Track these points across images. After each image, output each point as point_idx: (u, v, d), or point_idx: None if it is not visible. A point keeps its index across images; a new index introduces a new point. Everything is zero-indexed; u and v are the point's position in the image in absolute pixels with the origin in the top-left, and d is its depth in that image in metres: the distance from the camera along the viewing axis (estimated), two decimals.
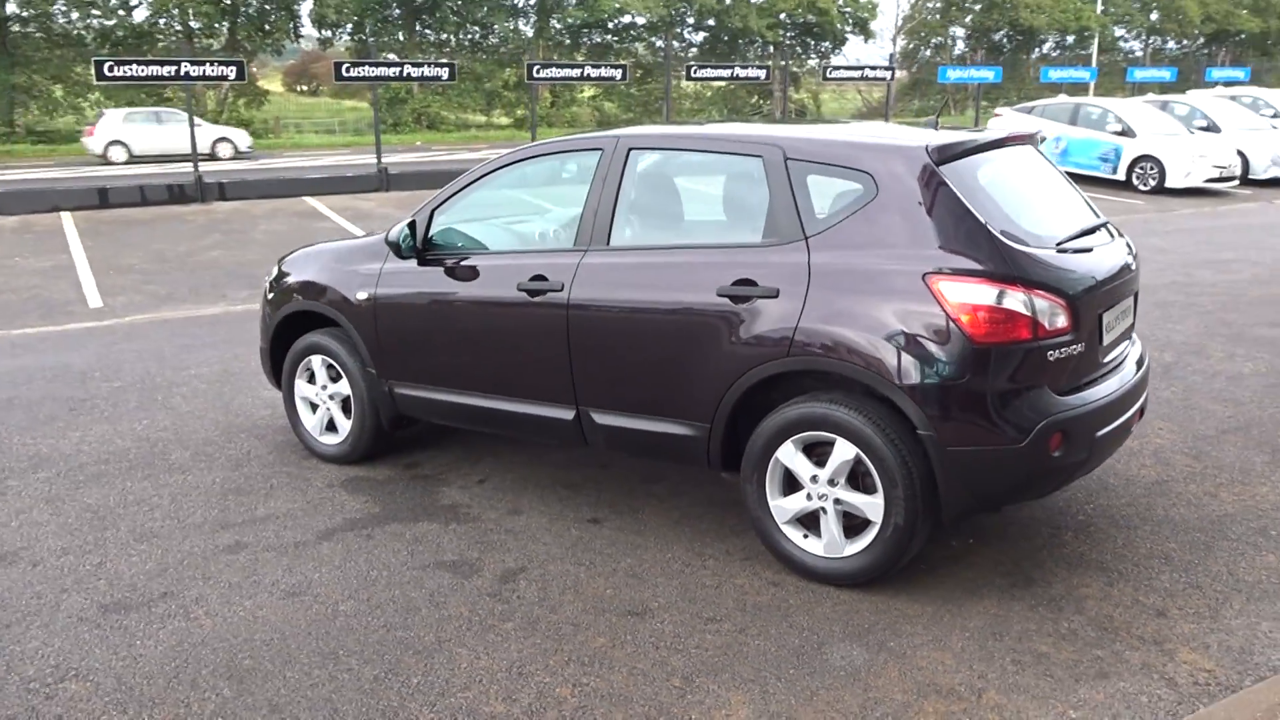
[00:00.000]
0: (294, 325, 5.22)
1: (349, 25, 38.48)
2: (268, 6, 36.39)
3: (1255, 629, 3.35)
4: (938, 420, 3.36)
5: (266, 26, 36.48)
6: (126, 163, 25.30)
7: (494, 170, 4.55)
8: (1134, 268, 3.97)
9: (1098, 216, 4.02)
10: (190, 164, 16.41)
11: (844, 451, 3.55)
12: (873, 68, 20.42)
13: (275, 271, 5.35)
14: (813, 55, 42.41)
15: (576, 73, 17.98)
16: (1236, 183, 17.20)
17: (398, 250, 4.52)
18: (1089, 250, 3.74)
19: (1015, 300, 3.32)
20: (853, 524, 3.66)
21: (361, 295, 4.79)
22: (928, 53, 47.54)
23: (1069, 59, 45.56)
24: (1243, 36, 49.94)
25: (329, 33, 39.21)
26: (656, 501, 4.54)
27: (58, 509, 4.57)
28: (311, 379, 5.18)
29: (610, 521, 4.34)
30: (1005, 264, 3.37)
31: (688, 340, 3.84)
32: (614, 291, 4.02)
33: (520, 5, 40.87)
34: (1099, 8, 46.67)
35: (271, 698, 3.09)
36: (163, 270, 10.71)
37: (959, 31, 47.37)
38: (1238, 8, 49.68)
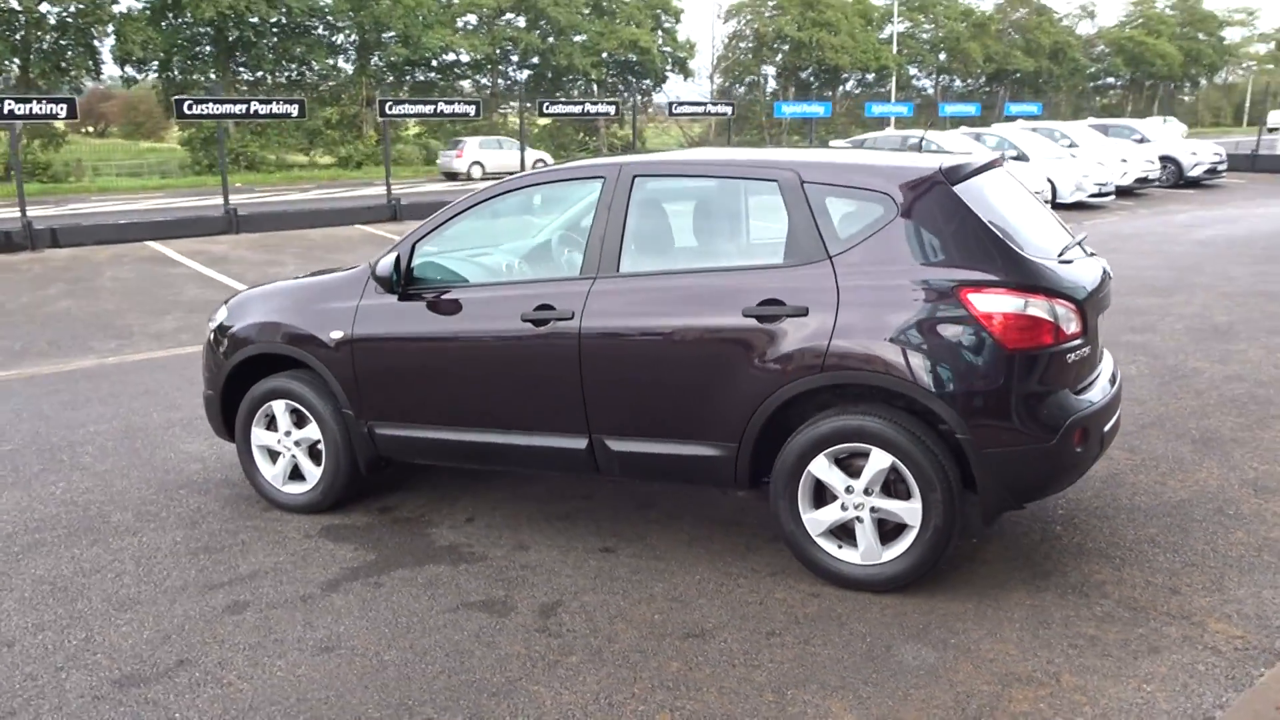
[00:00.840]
0: (247, 371, 4.94)
1: (155, 62, 36.49)
2: (64, 42, 34.04)
3: (1260, 597, 3.69)
4: (975, 424, 3.55)
5: (63, 64, 34.08)
6: None
7: (483, 201, 4.48)
8: (1111, 276, 4.32)
9: (1070, 231, 4.36)
10: (17, 209, 15.11)
11: (880, 461, 3.68)
12: (713, 103, 21.18)
13: (223, 314, 5.05)
14: (635, 92, 43.35)
15: (430, 109, 17.71)
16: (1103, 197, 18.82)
17: (390, 286, 4.37)
18: (1077, 261, 4.05)
19: (1039, 308, 3.57)
20: (883, 530, 3.80)
21: (335, 334, 4.59)
22: (742, 89, 49.53)
23: (870, 95, 48.50)
24: (1018, 75, 54.69)
25: (133, 70, 37.04)
26: (659, 527, 4.55)
27: (6, 583, 4.13)
28: (271, 426, 4.91)
29: (623, 549, 4.31)
30: (1026, 275, 3.61)
31: (713, 362, 3.90)
32: (630, 317, 4.03)
33: (339, 42, 39.95)
34: (895, 49, 50.09)
35: None
36: (9, 323, 9.82)
37: (770, 70, 49.67)
38: (1013, 49, 54.41)
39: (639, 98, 44.50)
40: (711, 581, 3.97)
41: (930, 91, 54.35)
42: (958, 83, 55.65)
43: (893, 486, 3.74)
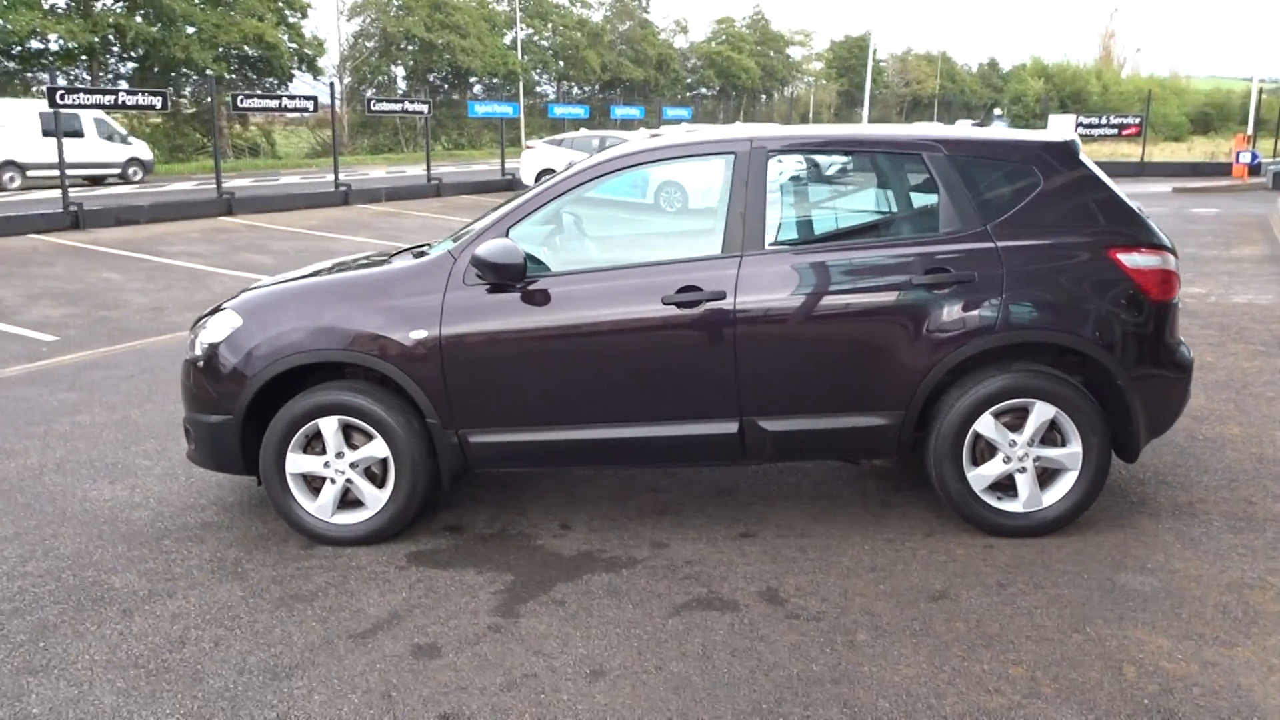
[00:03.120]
0: (272, 387, 4.19)
1: None
2: None
3: None
4: (1133, 370, 3.98)
5: None
6: None
7: (588, 180, 4.17)
8: None
9: None
10: None
11: (1044, 413, 3.99)
12: (411, 101, 20.44)
13: (230, 322, 4.22)
14: (257, 89, 40.36)
15: (110, 100, 15.26)
16: None
17: (512, 274, 3.93)
18: None
19: (1170, 263, 4.07)
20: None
21: (417, 334, 4.04)
22: (371, 91, 48.00)
23: (501, 97, 49.22)
24: (629, 82, 58.29)
25: None
26: (765, 505, 4.53)
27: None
28: (309, 448, 4.19)
29: (762, 533, 4.25)
30: (1153, 235, 4.10)
31: (881, 332, 3.98)
32: (790, 294, 3.99)
33: None
34: (520, 55, 51.25)
35: None
36: None
37: (400, 71, 48.57)
38: (624, 59, 57.89)
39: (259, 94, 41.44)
40: (881, 554, 4.04)
41: (553, 95, 56.29)
42: (576, 89, 58.10)
43: (1048, 437, 4.06)
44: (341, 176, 19.44)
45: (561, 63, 56.27)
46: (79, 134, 22.97)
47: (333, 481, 4.18)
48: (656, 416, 4.09)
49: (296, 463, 4.17)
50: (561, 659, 3.27)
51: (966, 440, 4.03)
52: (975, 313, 3.94)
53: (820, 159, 4.51)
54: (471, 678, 3.16)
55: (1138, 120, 25.71)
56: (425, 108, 20.19)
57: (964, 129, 4.76)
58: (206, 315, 4.46)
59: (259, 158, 40.00)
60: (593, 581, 3.83)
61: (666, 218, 4.71)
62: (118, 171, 25.05)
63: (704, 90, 71.15)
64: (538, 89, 56.81)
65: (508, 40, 51.99)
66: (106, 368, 7.40)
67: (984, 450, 4.08)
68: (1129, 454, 4.15)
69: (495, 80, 51.77)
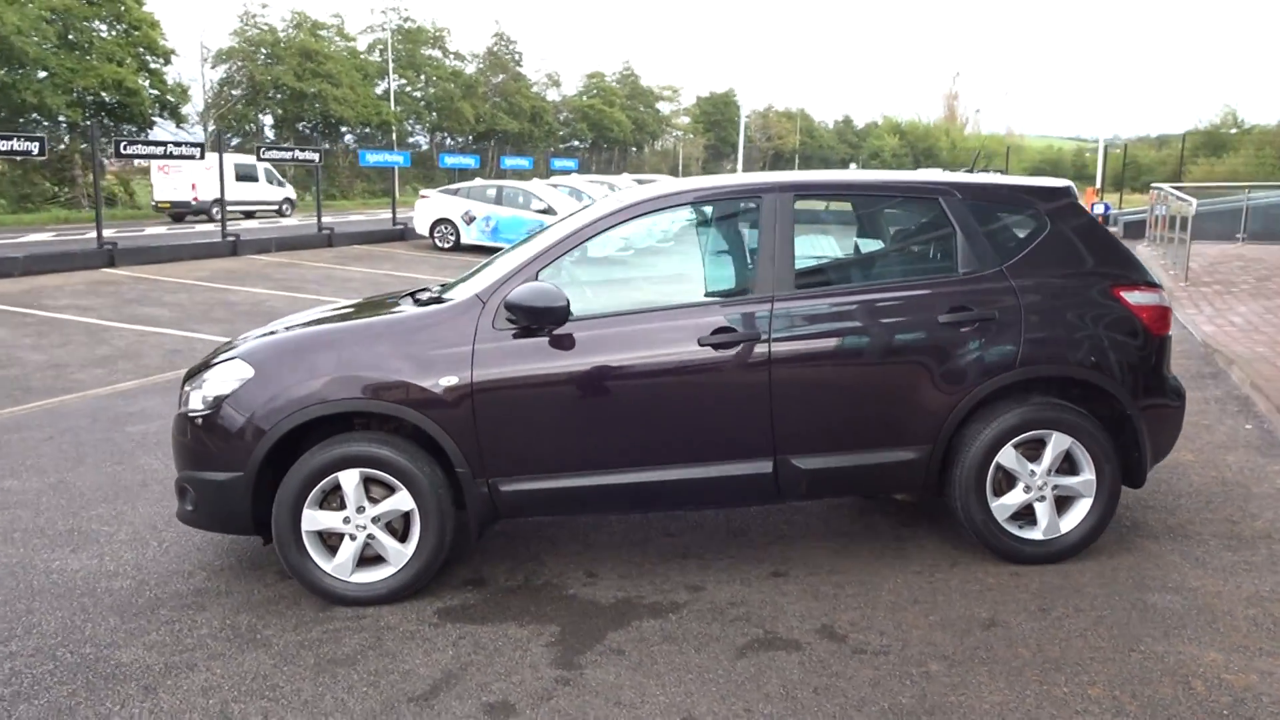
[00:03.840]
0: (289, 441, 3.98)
1: None
2: None
3: None
4: (1141, 399, 4.20)
5: None
6: None
7: (616, 223, 4.15)
8: None
9: None
10: None
11: (1060, 443, 4.16)
12: (302, 149, 19.89)
13: (243, 373, 3.99)
14: (115, 136, 38.62)
15: None
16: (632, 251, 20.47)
17: (553, 317, 3.86)
18: None
19: (1165, 300, 4.33)
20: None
21: (447, 381, 3.92)
22: (236, 140, 46.59)
23: (374, 146, 48.52)
24: (504, 134, 58.46)
25: None
26: (784, 544, 4.55)
27: None
28: (331, 503, 3.99)
29: (792, 571, 4.26)
30: (1146, 273, 4.36)
31: (911, 368, 4.08)
32: (822, 333, 4.05)
33: None
34: (393, 105, 50.77)
35: None
36: None
37: (268, 119, 47.31)
38: (499, 111, 58.08)
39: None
40: (915, 583, 4.10)
41: (425, 146, 55.88)
42: (450, 139, 57.86)
43: (1062, 466, 4.23)
44: (228, 226, 18.73)
45: (435, 114, 55.98)
46: (254, 179, 30.57)
47: (352, 538, 3.99)
48: (690, 458, 4.07)
49: (314, 519, 3.96)
50: (646, 709, 3.18)
51: (990, 472, 4.15)
52: (996, 349, 4.09)
53: (842, 203, 4.62)
54: None
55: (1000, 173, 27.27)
56: (317, 156, 19.70)
57: (963, 175, 4.96)
58: (202, 368, 4.21)
59: (115, 207, 38.11)
60: (643, 628, 3.75)
61: (686, 260, 4.67)
62: (275, 208, 31.97)
63: (576, 142, 71.95)
64: (410, 139, 56.35)
65: (380, 90, 51.45)
66: (18, 429, 6.86)
67: (1003, 481, 4.21)
68: (1136, 480, 4.35)
69: (368, 130, 51.08)
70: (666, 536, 4.69)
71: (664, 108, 79.80)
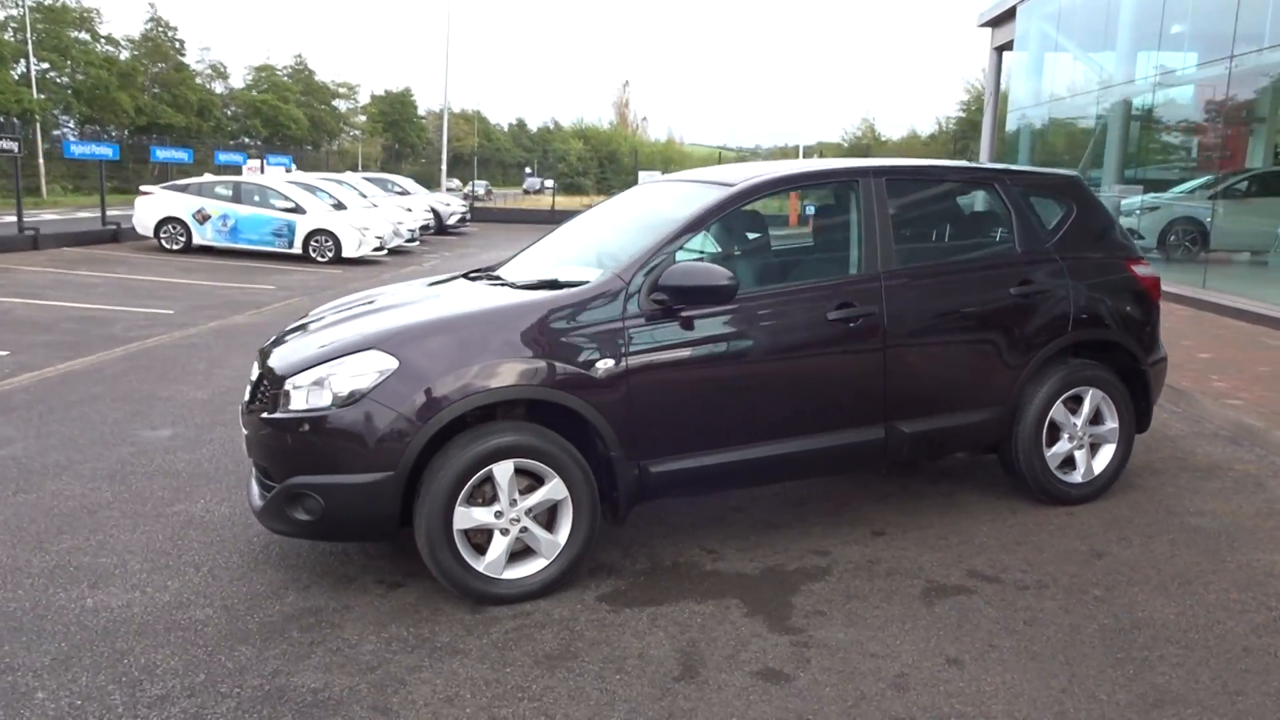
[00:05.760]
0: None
1: None
2: None
3: None
4: (1145, 355, 4.93)
5: None
6: None
7: (732, 206, 4.24)
8: None
9: None
10: None
11: (1095, 398, 4.80)
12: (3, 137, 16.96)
13: (387, 364, 3.65)
14: None
15: None
16: (385, 252, 19.50)
17: (718, 296, 3.89)
18: None
19: (1155, 272, 5.10)
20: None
21: (605, 364, 3.84)
22: None
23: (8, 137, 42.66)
24: (169, 127, 53.61)
25: None
26: (854, 510, 4.83)
27: None
28: (476, 498, 3.76)
29: (889, 530, 4.56)
30: (1137, 249, 5.11)
31: (990, 337, 4.54)
32: (926, 307, 4.40)
33: None
34: (35, 93, 44.94)
35: None
36: None
37: None
38: (162, 103, 53.20)
39: None
40: (1000, 532, 4.54)
41: (75, 136, 49.91)
42: (109, 134, 52.06)
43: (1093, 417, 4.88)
44: None
45: (87, 104, 50.12)
46: None
47: (504, 533, 3.78)
48: (817, 429, 4.26)
49: (467, 516, 3.70)
50: (905, 659, 3.35)
51: (1044, 425, 4.71)
52: (1056, 316, 4.66)
53: (926, 187, 4.94)
54: (844, 689, 3.15)
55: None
56: (16, 145, 17.02)
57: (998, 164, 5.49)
58: (305, 366, 3.78)
59: None
60: (815, 591, 3.89)
61: (799, 240, 4.82)
62: None
63: (246, 139, 67.36)
64: (55, 132, 50.07)
65: (18, 74, 45.21)
66: None
67: (1050, 433, 4.78)
68: (1143, 425, 5.10)
69: (3, 119, 44.73)
70: (736, 512, 4.81)
71: (341, 105, 76.74)
